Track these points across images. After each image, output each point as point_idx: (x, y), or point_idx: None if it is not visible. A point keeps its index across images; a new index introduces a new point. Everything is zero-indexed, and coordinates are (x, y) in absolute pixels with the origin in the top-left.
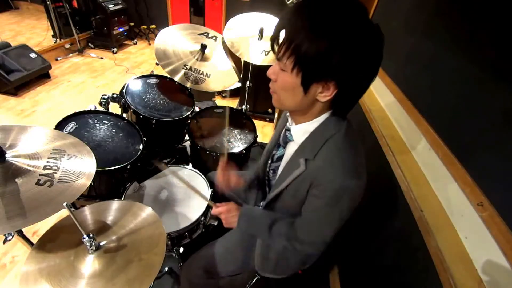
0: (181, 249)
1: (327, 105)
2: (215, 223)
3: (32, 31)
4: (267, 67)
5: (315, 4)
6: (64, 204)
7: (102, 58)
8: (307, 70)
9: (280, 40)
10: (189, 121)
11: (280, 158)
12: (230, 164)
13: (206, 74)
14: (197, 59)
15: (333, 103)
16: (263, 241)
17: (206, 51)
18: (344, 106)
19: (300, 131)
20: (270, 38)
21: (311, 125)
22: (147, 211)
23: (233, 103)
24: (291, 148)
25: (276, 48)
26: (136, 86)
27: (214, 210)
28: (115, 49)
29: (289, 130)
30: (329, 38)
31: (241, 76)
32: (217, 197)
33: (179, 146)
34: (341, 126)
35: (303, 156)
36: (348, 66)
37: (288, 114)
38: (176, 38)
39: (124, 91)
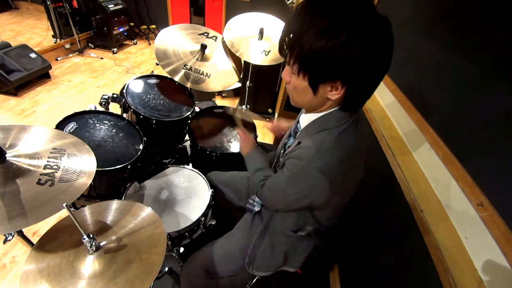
0: (181, 249)
1: (339, 101)
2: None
3: (32, 31)
4: (267, 67)
5: (313, 6)
6: (64, 204)
7: (102, 58)
8: (311, 73)
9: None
10: (189, 121)
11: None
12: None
13: (206, 74)
14: (197, 59)
15: (345, 100)
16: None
17: (206, 51)
18: (355, 102)
19: (306, 120)
20: (278, 46)
21: (315, 115)
22: (146, 211)
23: (233, 103)
24: None
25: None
26: (136, 86)
27: (240, 131)
28: (115, 49)
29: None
30: (328, 38)
31: (241, 76)
32: (217, 197)
33: (179, 146)
34: (342, 124)
35: (297, 139)
36: (351, 64)
37: None
38: (176, 38)
39: (124, 91)
